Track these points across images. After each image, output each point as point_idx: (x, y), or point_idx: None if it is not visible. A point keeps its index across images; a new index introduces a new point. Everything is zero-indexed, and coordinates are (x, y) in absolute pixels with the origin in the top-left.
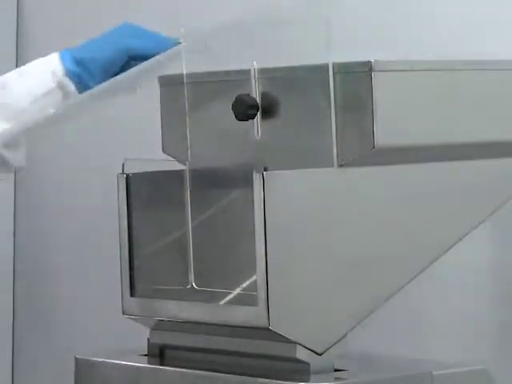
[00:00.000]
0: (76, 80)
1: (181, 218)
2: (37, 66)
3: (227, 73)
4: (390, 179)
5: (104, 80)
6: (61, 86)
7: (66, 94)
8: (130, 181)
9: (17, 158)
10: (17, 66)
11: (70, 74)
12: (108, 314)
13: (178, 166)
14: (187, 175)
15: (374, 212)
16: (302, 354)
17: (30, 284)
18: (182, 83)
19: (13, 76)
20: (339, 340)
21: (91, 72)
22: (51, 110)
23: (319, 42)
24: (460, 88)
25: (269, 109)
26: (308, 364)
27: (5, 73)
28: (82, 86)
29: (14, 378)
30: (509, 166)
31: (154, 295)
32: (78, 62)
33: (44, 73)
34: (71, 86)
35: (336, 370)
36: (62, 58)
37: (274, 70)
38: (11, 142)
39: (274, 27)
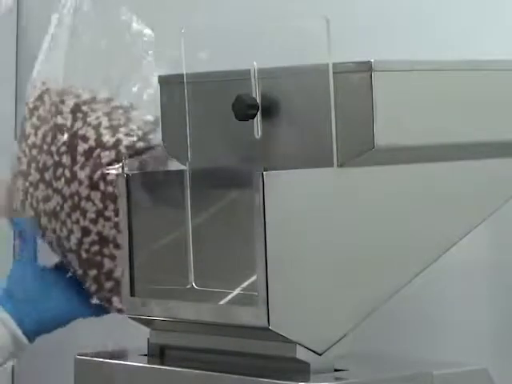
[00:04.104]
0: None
1: (181, 218)
2: None
3: (227, 73)
4: (390, 179)
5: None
6: None
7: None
8: (130, 181)
9: None
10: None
11: None
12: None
13: (178, 166)
14: (187, 175)
15: (373, 212)
16: (301, 354)
17: None
18: (182, 83)
19: None
20: (339, 340)
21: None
22: None
23: (319, 42)
24: (460, 88)
25: (269, 109)
26: (308, 364)
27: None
28: (15, 309)
29: (13, 378)
30: (509, 166)
31: (154, 295)
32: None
33: None
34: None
35: (336, 370)
36: None
37: (274, 70)
38: None
39: (274, 27)
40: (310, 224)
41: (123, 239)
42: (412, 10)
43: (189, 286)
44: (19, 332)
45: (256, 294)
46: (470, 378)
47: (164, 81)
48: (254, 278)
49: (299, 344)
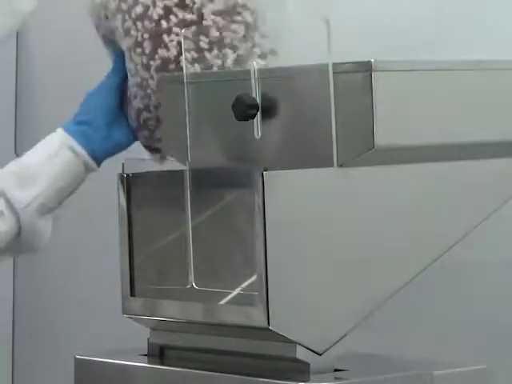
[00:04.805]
0: (79, 137)
1: (181, 218)
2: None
3: (227, 73)
4: (390, 179)
5: (109, 132)
6: (67, 146)
7: (75, 153)
8: (130, 181)
9: (47, 229)
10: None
11: (71, 132)
12: (108, 314)
13: (178, 166)
14: (187, 175)
15: (373, 212)
16: (301, 354)
17: (30, 284)
18: (182, 83)
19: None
20: (339, 340)
21: (93, 125)
22: (63, 170)
23: (319, 42)
24: (460, 88)
25: (269, 109)
26: (308, 364)
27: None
28: (88, 141)
29: (13, 378)
30: (509, 166)
31: (154, 295)
32: (79, 123)
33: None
34: (74, 143)
35: (336, 370)
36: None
37: (274, 70)
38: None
39: (274, 27)
40: (310, 224)
41: (123, 239)
42: (412, 10)
43: (189, 286)
44: (90, 160)
45: (256, 293)
46: (470, 378)
47: (164, 81)
48: (253, 278)
49: (299, 344)
